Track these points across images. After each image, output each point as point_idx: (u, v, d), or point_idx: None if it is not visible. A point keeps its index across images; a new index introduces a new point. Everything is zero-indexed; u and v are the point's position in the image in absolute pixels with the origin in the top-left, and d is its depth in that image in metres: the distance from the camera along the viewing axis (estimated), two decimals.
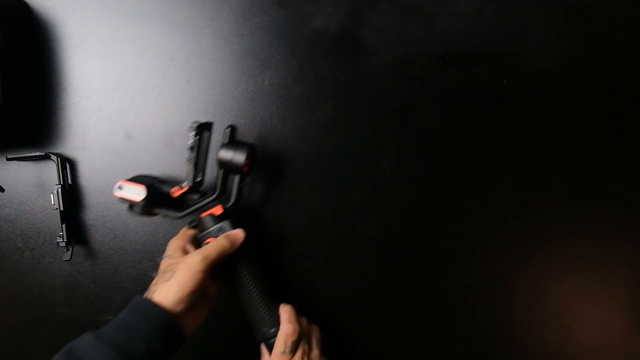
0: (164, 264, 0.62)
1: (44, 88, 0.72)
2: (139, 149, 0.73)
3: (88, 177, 0.74)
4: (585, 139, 0.74)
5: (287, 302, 0.71)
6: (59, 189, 0.70)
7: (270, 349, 0.64)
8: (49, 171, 0.73)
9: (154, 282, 0.60)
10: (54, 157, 0.70)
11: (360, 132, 0.73)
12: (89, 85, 0.73)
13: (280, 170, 0.73)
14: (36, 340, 0.75)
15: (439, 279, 0.75)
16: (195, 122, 0.62)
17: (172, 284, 0.58)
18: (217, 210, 0.65)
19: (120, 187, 0.65)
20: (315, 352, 0.65)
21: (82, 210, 0.74)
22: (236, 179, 0.65)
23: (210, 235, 0.64)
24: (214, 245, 0.61)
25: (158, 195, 0.66)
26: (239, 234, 0.63)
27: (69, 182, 0.72)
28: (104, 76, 0.73)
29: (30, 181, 0.73)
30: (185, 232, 0.67)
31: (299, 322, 0.64)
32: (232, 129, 0.65)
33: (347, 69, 0.72)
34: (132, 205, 0.66)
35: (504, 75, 0.73)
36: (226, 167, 0.63)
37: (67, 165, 0.72)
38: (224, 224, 0.64)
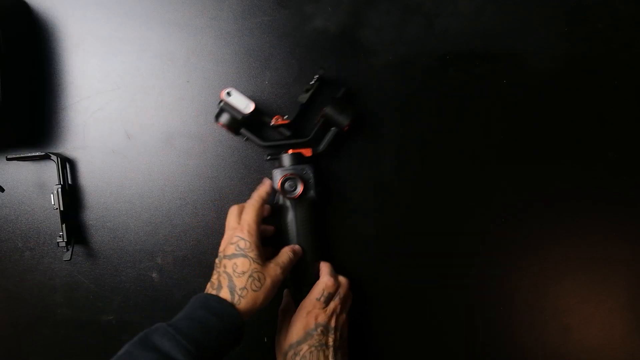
0: (244, 263, 0.61)
1: (44, 88, 0.72)
2: (139, 149, 0.73)
3: (88, 177, 0.73)
4: (585, 139, 0.74)
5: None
6: (59, 189, 0.70)
7: (295, 296, 0.69)
8: (49, 171, 0.73)
9: (225, 280, 0.60)
10: (54, 157, 0.70)
11: (361, 132, 0.73)
12: (89, 85, 0.73)
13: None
14: (36, 340, 0.75)
15: (439, 279, 0.75)
16: (322, 68, 0.67)
17: (261, 296, 0.60)
18: (307, 152, 0.69)
19: (229, 94, 0.66)
20: (343, 316, 0.67)
21: (82, 210, 0.74)
22: (332, 131, 0.68)
23: (293, 171, 0.67)
24: (287, 259, 0.65)
25: (252, 119, 0.68)
26: (299, 250, 0.68)
27: (69, 182, 0.72)
28: (104, 76, 0.73)
29: (30, 181, 0.73)
30: (255, 221, 0.64)
31: (339, 281, 0.68)
32: (347, 90, 0.69)
33: (347, 69, 0.72)
34: (225, 113, 0.67)
35: (504, 75, 0.73)
36: (330, 120, 0.67)
37: (67, 165, 0.72)
38: (308, 166, 0.68)
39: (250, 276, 0.60)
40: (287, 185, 0.67)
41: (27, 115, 0.71)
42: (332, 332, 0.65)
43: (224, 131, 0.72)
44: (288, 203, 0.68)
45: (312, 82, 0.67)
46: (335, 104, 0.67)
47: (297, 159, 0.69)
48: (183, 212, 0.74)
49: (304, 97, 0.68)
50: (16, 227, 0.74)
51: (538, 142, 0.74)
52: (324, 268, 0.69)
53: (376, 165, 0.74)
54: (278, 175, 0.68)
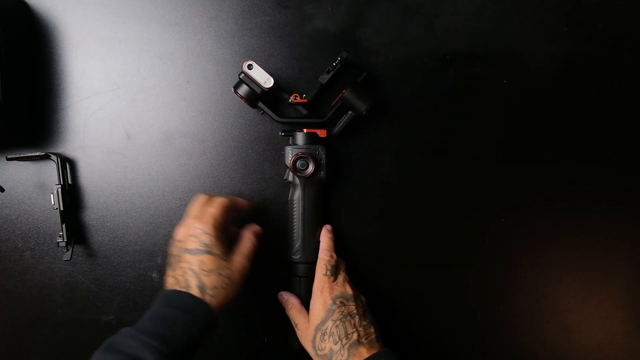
0: (211, 261, 0.60)
1: (44, 88, 0.72)
2: (139, 149, 0.73)
3: (88, 177, 0.73)
4: (585, 139, 0.74)
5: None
6: (59, 189, 0.70)
7: (295, 270, 0.70)
8: (49, 171, 0.73)
9: (193, 279, 0.59)
10: (53, 157, 0.70)
11: (360, 133, 0.74)
12: (89, 85, 0.73)
13: (276, 169, 0.73)
14: (36, 340, 0.75)
15: (439, 279, 0.75)
16: (345, 51, 0.67)
17: (232, 292, 0.61)
18: (322, 132, 0.70)
19: (250, 66, 0.66)
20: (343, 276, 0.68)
21: (82, 210, 0.74)
22: (349, 115, 0.69)
23: (306, 150, 0.68)
24: (251, 245, 0.65)
25: (269, 95, 0.69)
26: (260, 230, 0.68)
27: (69, 182, 0.72)
28: (104, 76, 0.73)
29: (30, 181, 0.73)
30: (222, 216, 0.63)
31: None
32: (367, 75, 0.69)
33: (347, 69, 0.71)
34: (244, 85, 0.67)
35: (504, 75, 0.74)
36: (348, 104, 0.68)
37: (67, 165, 0.72)
38: (321, 147, 0.69)
39: (219, 275, 0.60)
40: (299, 163, 0.68)
41: (27, 115, 0.71)
42: (352, 299, 0.65)
43: (226, 129, 0.73)
44: (297, 181, 0.69)
45: (335, 63, 0.68)
46: (355, 88, 0.68)
47: (311, 138, 0.69)
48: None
49: (324, 78, 0.68)
50: (16, 227, 0.74)
51: (538, 142, 0.74)
52: (321, 243, 0.70)
53: (376, 165, 0.74)
54: (290, 153, 0.69)
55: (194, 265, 0.60)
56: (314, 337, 0.63)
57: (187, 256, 0.60)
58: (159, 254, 0.74)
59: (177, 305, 0.57)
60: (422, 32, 0.73)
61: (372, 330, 0.64)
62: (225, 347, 0.75)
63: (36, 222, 0.74)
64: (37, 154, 0.71)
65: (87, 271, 0.74)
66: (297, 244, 0.70)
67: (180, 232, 0.63)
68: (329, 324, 0.62)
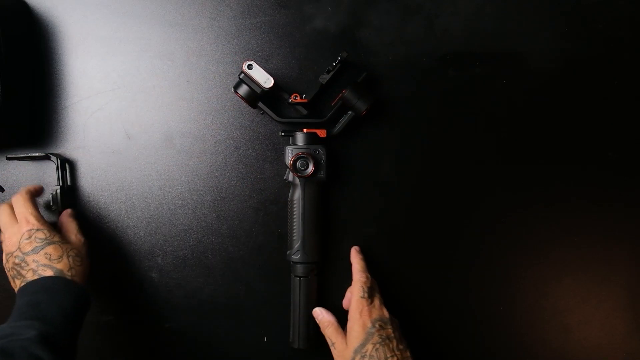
0: (56, 249, 0.62)
1: (44, 88, 0.72)
2: (139, 149, 0.73)
3: (88, 177, 0.73)
4: (585, 139, 0.74)
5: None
6: (58, 190, 0.70)
7: (295, 270, 0.71)
8: (49, 171, 0.72)
9: (48, 271, 0.60)
10: (53, 158, 0.70)
11: (360, 133, 0.74)
12: (89, 85, 0.73)
13: (276, 169, 0.73)
14: None
15: (439, 279, 0.75)
16: (346, 51, 0.67)
17: (87, 267, 0.65)
18: (322, 132, 0.70)
19: (250, 66, 0.67)
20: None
21: (81, 210, 0.74)
22: (349, 115, 0.70)
23: (306, 150, 0.68)
24: (74, 222, 0.69)
25: (269, 95, 0.69)
26: (71, 210, 0.71)
27: (68, 182, 0.72)
28: (104, 76, 0.73)
29: (30, 181, 0.73)
30: (35, 209, 0.65)
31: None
32: (367, 75, 0.69)
33: (347, 69, 0.71)
34: (244, 85, 0.67)
35: (504, 76, 0.74)
36: (348, 104, 0.68)
37: (67, 165, 0.72)
38: (321, 147, 0.69)
39: (69, 256, 0.62)
40: (299, 163, 0.68)
41: (27, 115, 0.71)
42: (389, 322, 0.65)
43: (226, 129, 0.73)
44: (297, 181, 0.69)
45: (335, 63, 0.68)
46: (355, 88, 0.68)
47: (311, 138, 0.69)
48: (183, 212, 0.74)
49: (324, 78, 0.68)
50: None
51: (538, 142, 0.74)
52: (356, 265, 0.71)
53: (376, 165, 0.74)
54: (290, 153, 0.69)
55: (42, 260, 0.61)
56: (353, 359, 0.64)
57: (31, 257, 0.62)
58: (159, 254, 0.74)
59: (34, 290, 0.58)
60: (422, 32, 0.73)
61: (408, 354, 0.65)
62: (225, 347, 0.75)
63: None
64: (37, 154, 0.71)
65: None
66: (297, 244, 0.70)
67: (10, 244, 0.64)
68: (369, 347, 0.63)
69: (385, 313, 0.66)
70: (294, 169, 0.68)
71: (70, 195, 0.73)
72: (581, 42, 0.73)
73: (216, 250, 0.74)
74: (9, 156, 0.71)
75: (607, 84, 0.74)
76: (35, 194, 0.69)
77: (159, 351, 0.76)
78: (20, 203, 0.66)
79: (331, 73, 0.68)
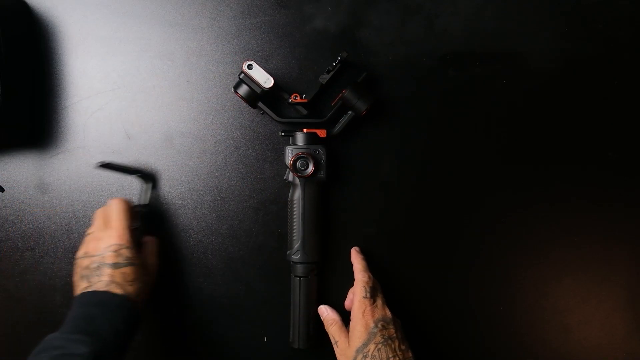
0: (134, 272, 0.62)
1: (44, 88, 0.72)
2: (139, 149, 0.73)
3: (88, 177, 0.73)
4: (585, 139, 0.74)
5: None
6: (142, 209, 0.71)
7: (295, 270, 0.71)
8: (50, 171, 0.73)
9: (118, 290, 0.61)
10: (146, 178, 0.71)
11: (360, 133, 0.74)
12: (89, 85, 0.73)
13: (276, 169, 0.73)
14: (36, 340, 0.71)
15: (439, 279, 0.75)
16: (346, 52, 0.67)
17: (149, 293, 0.65)
18: (322, 133, 0.70)
19: (250, 66, 0.67)
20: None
21: (82, 210, 0.74)
22: (349, 115, 0.70)
23: (306, 150, 0.68)
24: (155, 245, 0.70)
25: (269, 95, 0.69)
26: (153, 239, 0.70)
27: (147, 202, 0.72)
28: (104, 76, 0.73)
29: (30, 181, 0.73)
30: (130, 225, 0.65)
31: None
32: (367, 75, 0.70)
33: (347, 69, 0.71)
34: (244, 85, 0.67)
35: (504, 76, 0.74)
36: (348, 104, 0.68)
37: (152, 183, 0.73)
38: (321, 147, 0.69)
39: (141, 281, 0.63)
40: (299, 163, 0.68)
41: (27, 115, 0.71)
42: (391, 322, 0.66)
43: (226, 129, 0.73)
44: (297, 181, 0.69)
45: (335, 63, 0.68)
46: (355, 88, 0.68)
47: (311, 138, 0.69)
48: (183, 212, 0.74)
49: (324, 78, 0.68)
50: (16, 227, 0.74)
51: (538, 142, 0.74)
52: (357, 265, 0.70)
53: (376, 165, 0.74)
54: (290, 153, 0.69)
55: (117, 278, 0.61)
56: (355, 359, 0.64)
57: (109, 270, 0.61)
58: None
59: (94, 302, 0.59)
60: (422, 32, 0.73)
61: (410, 354, 0.65)
62: (225, 347, 0.75)
63: (36, 222, 0.74)
64: (131, 168, 0.71)
65: None
66: (297, 244, 0.70)
67: (95, 247, 0.64)
68: (371, 347, 0.63)
69: (388, 313, 0.67)
70: (294, 169, 0.68)
71: (149, 215, 0.73)
72: (581, 42, 0.73)
73: (216, 250, 0.74)
74: (100, 163, 0.68)
75: (607, 84, 0.74)
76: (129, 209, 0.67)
77: (159, 351, 0.76)
78: (119, 214, 0.65)
79: (331, 73, 0.68)
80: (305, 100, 0.69)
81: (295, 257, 0.70)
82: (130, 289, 0.61)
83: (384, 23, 0.72)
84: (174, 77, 0.73)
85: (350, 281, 0.71)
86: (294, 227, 0.70)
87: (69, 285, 0.72)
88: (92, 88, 0.73)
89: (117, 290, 0.60)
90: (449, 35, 0.73)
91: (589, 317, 0.76)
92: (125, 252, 0.63)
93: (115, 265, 0.61)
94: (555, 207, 0.75)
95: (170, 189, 0.74)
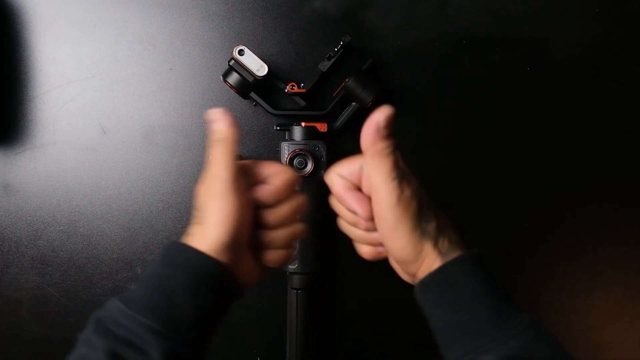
0: None
1: (9, 76, 0.70)
2: (116, 144, 0.71)
3: (58, 176, 0.71)
4: (619, 133, 0.72)
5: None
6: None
7: (292, 282, 0.67)
8: (15, 170, 0.70)
9: None
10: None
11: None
12: (59, 74, 0.71)
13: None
14: None
15: None
16: (348, 34, 0.65)
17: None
18: (322, 127, 0.67)
19: (241, 52, 0.64)
20: None
21: (51, 214, 0.70)
22: (352, 107, 0.67)
23: (304, 147, 0.66)
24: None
25: (263, 84, 0.67)
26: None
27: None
28: (76, 63, 0.71)
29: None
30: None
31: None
32: (373, 62, 0.67)
33: (349, 56, 0.69)
34: (234, 73, 0.65)
35: (526, 63, 0.71)
36: (351, 94, 0.66)
37: None
38: (321, 143, 0.67)
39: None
40: (296, 161, 0.67)
41: None
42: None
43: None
44: None
45: (336, 48, 0.66)
46: (359, 76, 0.66)
47: (310, 133, 0.67)
48: (165, 216, 0.71)
49: (325, 65, 0.66)
50: None
51: (565, 138, 0.72)
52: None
53: None
54: (287, 149, 0.67)
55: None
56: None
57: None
58: (138, 263, 0.71)
59: (177, 263, 0.45)
60: (434, 14, 0.71)
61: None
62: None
63: (0, 228, 0.71)
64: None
65: (57, 283, 0.72)
66: (294, 252, 0.65)
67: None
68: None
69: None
70: (291, 167, 0.65)
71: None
72: (613, 26, 0.71)
73: None
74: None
75: None
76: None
77: None
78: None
79: (332, 60, 0.66)
80: (303, 91, 0.67)
81: (292, 267, 0.68)
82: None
83: (392, 4, 0.70)
84: (156, 64, 0.71)
85: (356, 293, 0.69)
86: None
87: (37, 298, 0.72)
88: (63, 76, 0.71)
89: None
90: (465, 18, 0.71)
91: (622, 335, 0.73)
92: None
93: None
94: (587, 210, 0.73)
95: (151, 190, 0.71)
